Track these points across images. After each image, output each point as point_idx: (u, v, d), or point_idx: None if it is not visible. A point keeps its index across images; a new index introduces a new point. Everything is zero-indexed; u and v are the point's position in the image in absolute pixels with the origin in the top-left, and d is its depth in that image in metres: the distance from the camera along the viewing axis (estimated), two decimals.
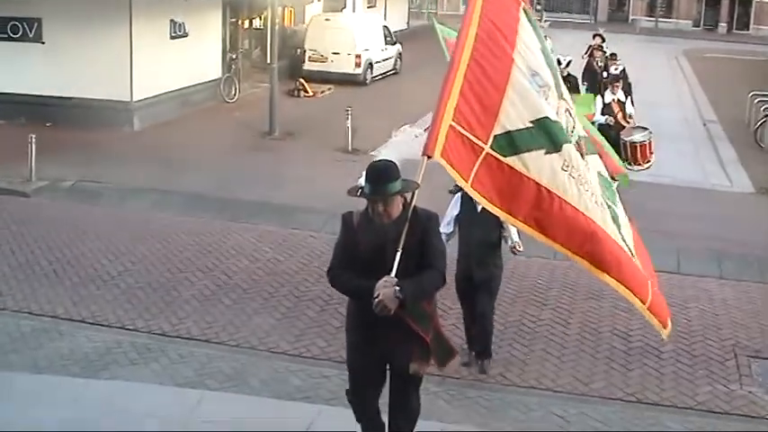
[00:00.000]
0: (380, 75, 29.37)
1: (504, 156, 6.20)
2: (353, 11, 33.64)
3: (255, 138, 19.93)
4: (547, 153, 6.37)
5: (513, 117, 6.32)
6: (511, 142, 6.25)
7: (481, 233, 8.93)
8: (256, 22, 27.63)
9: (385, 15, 36.77)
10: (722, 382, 9.41)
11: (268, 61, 27.20)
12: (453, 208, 9.24)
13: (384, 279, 5.73)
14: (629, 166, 14.40)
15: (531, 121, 6.40)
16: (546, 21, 49.48)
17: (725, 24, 59.67)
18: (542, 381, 9.21)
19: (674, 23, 59.46)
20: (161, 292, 10.88)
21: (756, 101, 23.41)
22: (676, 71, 38.00)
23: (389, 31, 30.69)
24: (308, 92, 25.63)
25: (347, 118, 18.90)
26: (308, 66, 27.44)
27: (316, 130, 20.79)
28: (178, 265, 11.82)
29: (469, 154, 6.06)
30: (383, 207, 5.94)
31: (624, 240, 6.88)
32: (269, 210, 14.47)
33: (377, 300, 5.69)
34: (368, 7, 35.83)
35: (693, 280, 12.47)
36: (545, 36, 14.50)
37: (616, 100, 17.19)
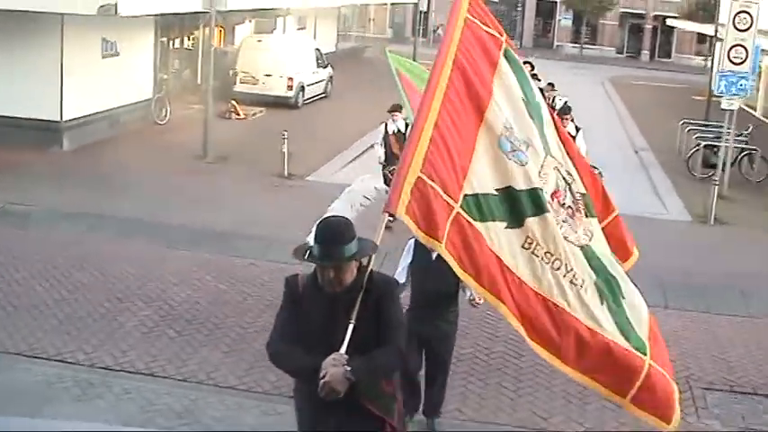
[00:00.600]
0: (312, 98, 29.11)
1: (474, 219, 5.64)
2: (283, 32, 33.34)
3: (189, 161, 19.49)
4: (507, 227, 5.81)
5: (482, 179, 5.80)
6: (479, 206, 5.71)
7: (436, 284, 7.99)
8: (187, 43, 27.17)
9: (314, 38, 36.56)
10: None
11: (198, 82, 27.02)
12: (406, 256, 8.41)
13: (332, 357, 4.98)
14: None
15: (497, 189, 5.86)
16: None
17: (647, 52, 60.87)
18: (500, 415, 9.04)
19: (599, 50, 60.44)
20: (102, 323, 10.45)
21: (687, 129, 23.74)
22: (604, 98, 38.49)
23: (321, 54, 30.49)
24: (239, 114, 25.26)
25: (283, 142, 18.61)
26: (239, 87, 27.05)
27: (250, 154, 20.45)
28: (117, 293, 11.38)
29: (441, 210, 5.48)
30: (334, 274, 5.15)
31: (617, 317, 6.11)
32: (208, 236, 14.09)
33: (323, 381, 4.93)
34: (297, 29, 35.57)
35: None
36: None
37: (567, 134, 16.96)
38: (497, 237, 5.71)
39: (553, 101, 19.70)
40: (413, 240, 8.15)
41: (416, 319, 7.91)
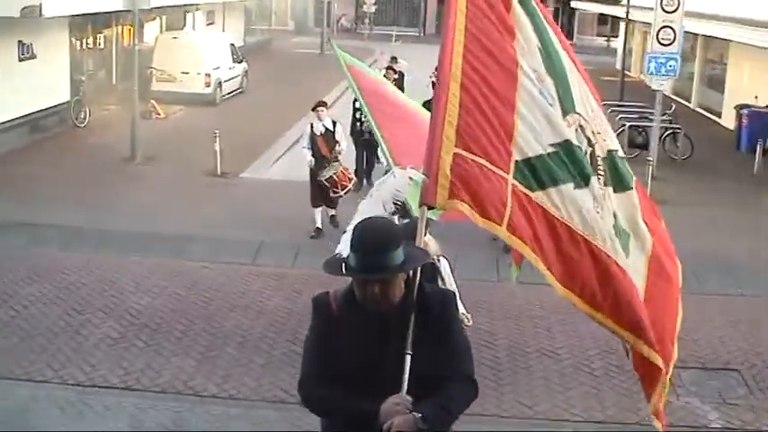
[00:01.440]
0: (229, 94, 28.67)
1: (532, 190, 4.82)
2: (193, 28, 32.78)
3: (118, 163, 18.96)
4: (576, 188, 4.97)
5: (530, 139, 4.94)
6: (534, 172, 4.86)
7: None
8: (99, 42, 26.43)
9: (223, 32, 36.02)
10: None
11: (113, 82, 26.37)
12: None
13: (393, 400, 4.00)
14: None
15: (552, 145, 4.99)
16: (396, 40, 49.76)
17: None
18: (487, 407, 8.97)
19: None
20: (64, 337, 10.06)
21: (609, 110, 24.06)
22: None
23: (236, 49, 30.05)
24: (159, 113, 24.71)
25: (214, 140, 18.27)
26: (156, 86, 26.39)
27: (178, 154, 20.02)
28: (75, 305, 10.98)
29: (494, 186, 4.63)
30: (380, 289, 4.16)
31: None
32: (153, 240, 13.71)
33: None
34: (207, 25, 35.02)
35: None
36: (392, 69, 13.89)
37: None
38: (563, 203, 4.91)
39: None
40: None
41: None
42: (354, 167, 16.49)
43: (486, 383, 9.43)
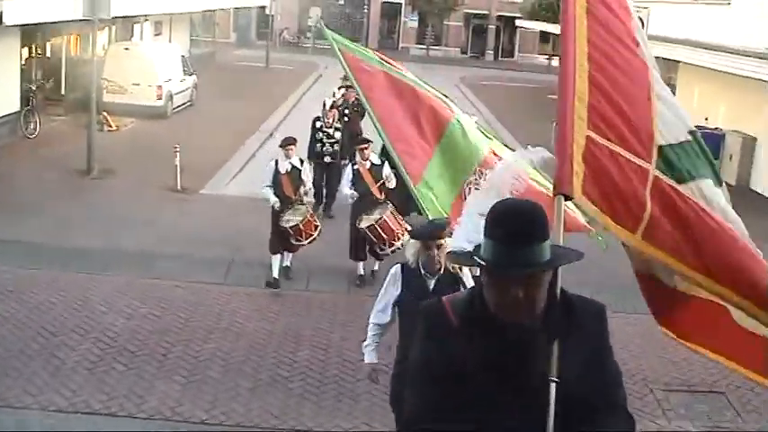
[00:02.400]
0: (179, 106, 28.23)
1: (678, 182, 4.03)
2: (141, 39, 32.25)
3: (74, 177, 18.49)
4: (715, 186, 4.24)
5: (673, 122, 4.21)
6: (679, 161, 4.09)
7: None
8: (48, 52, 25.86)
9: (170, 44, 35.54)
10: (649, 418, 9.45)
11: (62, 93, 25.78)
12: (389, 288, 6.85)
13: None
14: None
15: (690, 132, 4.27)
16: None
17: (491, 52, 61.99)
18: None
19: (444, 51, 61.18)
20: (40, 361, 9.65)
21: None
22: (464, 102, 38.89)
23: (187, 61, 29.62)
24: (111, 126, 24.19)
25: (175, 155, 17.92)
26: (106, 98, 25.75)
27: (134, 167, 19.56)
28: (48, 327, 10.56)
29: (632, 183, 3.86)
30: (525, 291, 3.20)
31: None
32: (121, 258, 13.31)
33: None
34: (155, 35, 34.50)
35: None
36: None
37: None
38: (711, 196, 4.13)
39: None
40: (398, 267, 6.86)
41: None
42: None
43: None
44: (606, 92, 4.02)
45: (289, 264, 13.05)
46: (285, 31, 61.19)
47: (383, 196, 12.70)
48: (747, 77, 19.86)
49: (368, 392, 9.37)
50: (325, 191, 16.51)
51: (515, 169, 4.06)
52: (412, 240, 6.75)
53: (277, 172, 12.65)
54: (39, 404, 8.73)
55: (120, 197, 17.11)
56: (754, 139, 22.70)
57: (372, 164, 12.87)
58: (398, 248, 11.73)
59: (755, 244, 4.29)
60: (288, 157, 12.73)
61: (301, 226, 12.30)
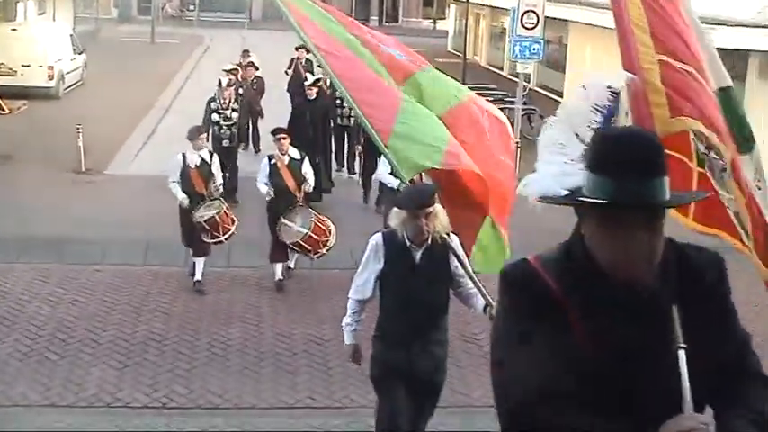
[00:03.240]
0: (70, 86, 27.53)
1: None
2: (24, 19, 31.31)
3: None
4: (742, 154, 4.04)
5: (717, 67, 4.08)
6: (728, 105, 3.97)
7: (424, 294, 6.03)
8: None
9: (53, 22, 34.57)
10: None
11: None
12: (371, 260, 6.27)
13: (685, 422, 2.50)
14: None
15: (721, 89, 4.04)
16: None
17: (376, 18, 61.97)
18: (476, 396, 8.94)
19: None
20: None
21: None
22: None
23: (76, 40, 28.89)
24: (4, 109, 23.45)
25: (77, 136, 17.56)
26: None
27: (33, 151, 18.98)
28: None
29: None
30: (650, 239, 2.65)
31: None
32: (35, 244, 13.00)
33: None
34: (38, 14, 33.54)
35: None
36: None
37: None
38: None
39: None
40: (379, 238, 6.30)
41: (395, 350, 6.15)
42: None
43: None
44: (665, 19, 3.87)
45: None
46: (167, 4, 60.01)
47: (302, 194, 11.80)
48: None
49: (307, 365, 9.49)
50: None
51: (599, 97, 3.37)
52: (396, 210, 6.25)
53: (186, 167, 11.59)
54: None
55: (23, 182, 16.62)
56: None
57: (291, 158, 11.79)
58: (325, 254, 11.58)
59: None
60: (197, 148, 11.75)
61: (218, 218, 11.39)
